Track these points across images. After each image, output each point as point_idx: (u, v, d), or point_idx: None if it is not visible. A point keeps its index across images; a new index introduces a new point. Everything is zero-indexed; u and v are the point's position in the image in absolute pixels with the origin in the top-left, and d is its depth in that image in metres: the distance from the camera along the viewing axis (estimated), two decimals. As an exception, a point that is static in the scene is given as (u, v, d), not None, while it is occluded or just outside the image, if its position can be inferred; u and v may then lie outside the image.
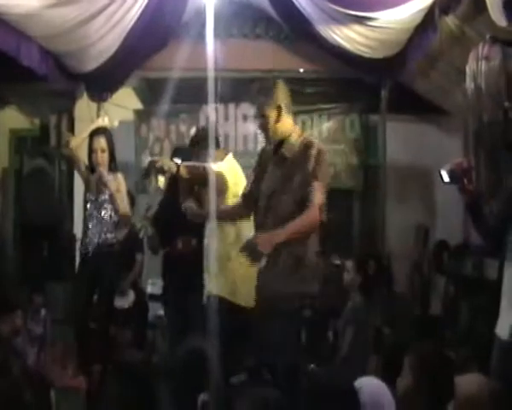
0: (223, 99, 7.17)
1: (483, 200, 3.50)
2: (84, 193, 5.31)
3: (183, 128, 7.66)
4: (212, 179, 4.37)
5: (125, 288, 6.25)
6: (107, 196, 5.16)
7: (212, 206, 4.26)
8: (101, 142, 5.19)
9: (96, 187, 5.19)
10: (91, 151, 5.21)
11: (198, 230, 4.82)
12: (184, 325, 4.85)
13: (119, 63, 6.49)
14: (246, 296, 4.28)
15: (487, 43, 4.60)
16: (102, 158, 5.17)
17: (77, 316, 5.18)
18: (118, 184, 5.19)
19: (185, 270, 4.96)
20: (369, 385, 2.72)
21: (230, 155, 4.80)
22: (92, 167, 5.22)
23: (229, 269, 4.40)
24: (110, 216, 5.21)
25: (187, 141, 7.04)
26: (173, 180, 4.94)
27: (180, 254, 5.10)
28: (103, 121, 5.76)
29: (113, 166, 5.26)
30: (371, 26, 5.53)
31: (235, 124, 7.77)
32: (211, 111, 6.78)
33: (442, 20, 5.04)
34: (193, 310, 4.78)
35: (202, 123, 7.52)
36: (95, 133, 5.28)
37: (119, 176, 5.25)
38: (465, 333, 4.99)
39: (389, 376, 2.89)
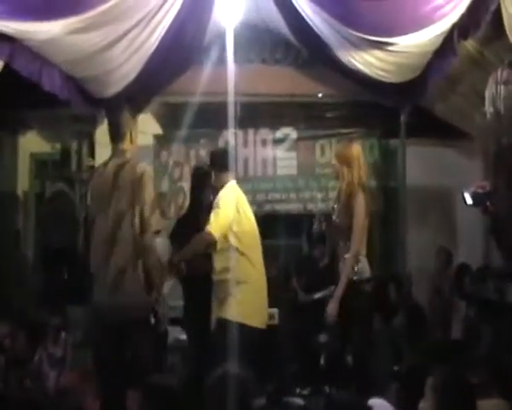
0: (242, 124, 7.21)
1: (506, 222, 3.49)
2: None
3: (202, 153, 7.69)
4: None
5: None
6: None
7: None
8: None
9: None
10: None
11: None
12: (205, 348, 4.85)
13: (140, 88, 6.56)
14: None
15: (506, 68, 4.62)
16: None
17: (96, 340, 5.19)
18: None
19: (205, 292, 4.96)
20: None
21: (233, 182, 4.90)
22: None
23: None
24: None
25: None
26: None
27: (198, 276, 5.10)
28: None
29: None
30: (390, 50, 5.55)
31: (255, 149, 7.80)
32: (230, 136, 6.82)
33: (461, 44, 5.06)
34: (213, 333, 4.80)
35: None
36: None
37: None
38: (486, 357, 4.93)
39: (408, 399, 2.87)
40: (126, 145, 4.46)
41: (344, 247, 4.85)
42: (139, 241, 4.21)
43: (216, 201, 4.71)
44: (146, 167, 4.42)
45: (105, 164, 4.48)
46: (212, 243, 4.66)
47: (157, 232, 4.31)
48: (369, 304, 4.93)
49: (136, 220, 4.23)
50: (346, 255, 4.81)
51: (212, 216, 4.62)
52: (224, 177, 4.87)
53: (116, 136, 4.47)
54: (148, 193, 4.30)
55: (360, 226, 4.81)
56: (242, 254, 4.73)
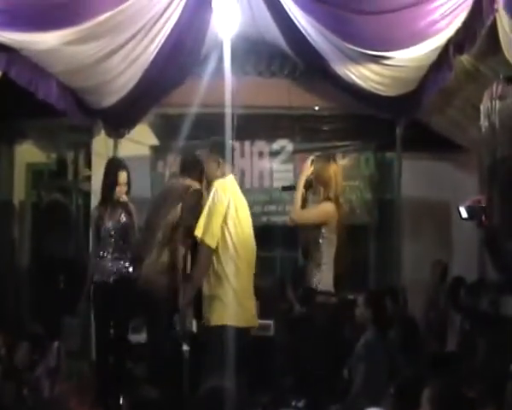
0: (238, 136, 7.23)
1: (500, 236, 3.51)
2: (97, 225, 5.38)
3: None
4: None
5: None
6: (124, 226, 5.25)
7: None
8: (125, 176, 5.34)
9: (113, 218, 5.27)
10: (115, 184, 5.31)
11: None
12: (203, 360, 4.85)
13: (136, 99, 6.58)
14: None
15: (501, 83, 4.66)
16: (124, 191, 5.33)
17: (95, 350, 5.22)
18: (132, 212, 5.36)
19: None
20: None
21: (225, 180, 4.79)
22: (109, 199, 5.32)
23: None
24: (125, 248, 5.26)
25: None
26: None
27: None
28: None
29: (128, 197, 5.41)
30: (386, 64, 5.58)
31: (251, 160, 7.82)
32: (227, 148, 6.82)
33: (457, 58, 5.09)
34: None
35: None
36: (118, 167, 5.41)
37: (132, 206, 5.38)
38: (481, 370, 4.94)
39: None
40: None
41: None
42: None
43: (208, 203, 4.60)
44: None
45: None
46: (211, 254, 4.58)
47: None
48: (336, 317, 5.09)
49: None
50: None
51: (204, 221, 4.53)
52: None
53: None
54: None
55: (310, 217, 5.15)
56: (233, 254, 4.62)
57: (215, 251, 4.51)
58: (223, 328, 4.48)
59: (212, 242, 4.47)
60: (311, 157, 5.37)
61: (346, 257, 5.37)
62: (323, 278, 5.10)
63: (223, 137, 5.01)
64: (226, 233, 4.53)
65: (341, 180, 5.43)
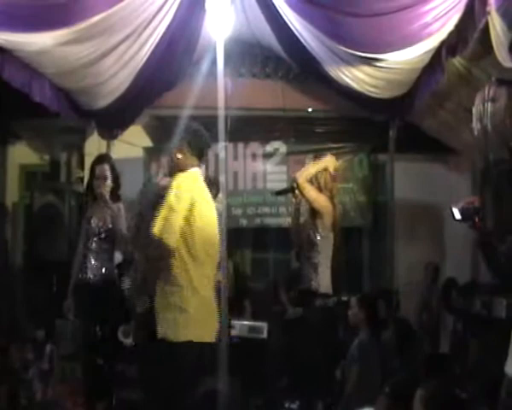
0: (232, 138, 7.23)
1: (493, 238, 3.53)
2: (83, 224, 5.34)
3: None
4: None
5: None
6: (109, 226, 5.21)
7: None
8: (103, 169, 5.27)
9: (97, 216, 5.22)
10: (93, 179, 5.27)
11: None
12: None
13: (129, 101, 6.57)
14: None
15: (493, 85, 4.67)
16: (105, 186, 5.23)
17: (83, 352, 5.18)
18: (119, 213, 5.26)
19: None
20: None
21: (196, 169, 4.18)
22: (91, 195, 5.28)
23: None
24: (109, 248, 5.21)
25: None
26: None
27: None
28: None
29: (116, 195, 5.32)
30: (379, 66, 5.60)
31: (245, 162, 7.82)
32: (220, 149, 6.82)
33: (449, 61, 5.11)
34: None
35: (212, 161, 7.60)
36: (98, 161, 5.37)
37: (121, 206, 5.30)
38: (474, 371, 4.96)
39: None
40: None
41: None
42: None
43: (168, 199, 3.87)
44: None
45: None
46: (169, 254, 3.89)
47: None
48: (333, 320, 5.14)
49: None
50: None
51: (162, 218, 3.83)
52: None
53: None
54: None
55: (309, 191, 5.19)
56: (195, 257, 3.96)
57: (174, 252, 3.86)
58: (185, 344, 3.84)
59: (170, 241, 3.80)
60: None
61: (343, 257, 5.40)
62: (322, 279, 5.12)
63: (199, 126, 4.42)
64: (187, 233, 3.88)
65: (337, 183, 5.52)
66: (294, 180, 5.38)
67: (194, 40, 6.20)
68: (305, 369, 5.20)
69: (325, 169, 5.35)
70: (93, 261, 5.19)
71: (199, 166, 4.20)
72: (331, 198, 5.30)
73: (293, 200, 5.62)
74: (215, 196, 5.10)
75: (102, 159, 5.50)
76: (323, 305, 5.12)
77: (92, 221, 5.23)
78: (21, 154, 8.33)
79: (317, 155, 5.80)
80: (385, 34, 4.98)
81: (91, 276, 5.17)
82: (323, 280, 5.18)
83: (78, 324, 5.32)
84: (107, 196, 5.20)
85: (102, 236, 5.21)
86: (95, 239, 5.22)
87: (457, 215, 3.41)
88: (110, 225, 5.20)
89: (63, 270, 7.70)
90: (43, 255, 7.89)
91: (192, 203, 3.90)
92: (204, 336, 3.91)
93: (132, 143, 7.54)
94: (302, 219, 5.55)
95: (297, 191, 5.40)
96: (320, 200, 5.23)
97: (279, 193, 6.09)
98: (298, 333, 5.57)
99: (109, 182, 5.24)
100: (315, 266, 5.17)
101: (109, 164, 5.34)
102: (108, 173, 5.25)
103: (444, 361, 5.31)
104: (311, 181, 5.33)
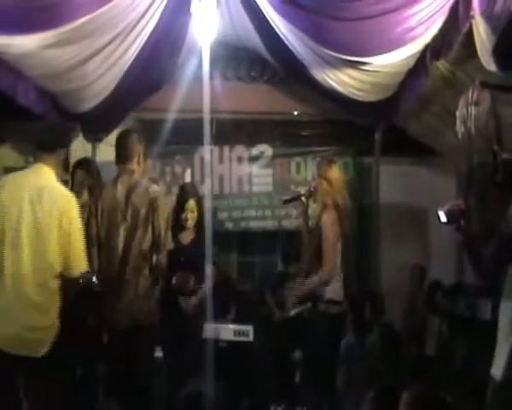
0: (218, 141, 7.23)
1: (478, 240, 3.55)
2: None
3: (178, 169, 7.71)
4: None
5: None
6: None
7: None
8: (79, 175, 5.27)
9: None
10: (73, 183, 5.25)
11: (196, 267, 4.87)
12: (183, 365, 4.83)
13: (114, 104, 6.54)
14: None
15: (477, 89, 4.70)
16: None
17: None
18: None
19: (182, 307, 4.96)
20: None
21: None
22: None
23: None
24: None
25: (181, 182, 7.14)
26: None
27: (176, 292, 5.09)
28: None
29: None
30: (364, 70, 5.62)
31: (230, 165, 7.82)
32: (206, 153, 6.83)
33: (434, 64, 5.14)
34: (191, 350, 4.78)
35: (197, 164, 7.60)
36: (77, 165, 5.36)
37: None
38: (459, 373, 4.98)
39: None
40: (134, 166, 4.54)
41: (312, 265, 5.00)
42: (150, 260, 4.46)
43: None
44: (159, 191, 4.62)
45: (114, 182, 4.51)
46: None
47: None
48: (336, 326, 5.05)
49: (147, 240, 4.43)
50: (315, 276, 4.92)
51: None
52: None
53: (123, 156, 4.53)
54: (162, 215, 4.52)
55: (331, 246, 4.90)
56: None
57: None
58: None
59: None
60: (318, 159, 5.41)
61: (351, 260, 5.39)
62: (336, 288, 5.12)
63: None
64: None
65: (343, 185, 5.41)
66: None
67: (180, 43, 6.19)
68: (291, 372, 5.20)
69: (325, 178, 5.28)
70: None
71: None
72: (336, 206, 5.20)
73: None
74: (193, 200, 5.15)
75: (80, 164, 5.54)
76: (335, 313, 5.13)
77: None
78: (6, 156, 8.26)
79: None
80: (369, 38, 5.00)
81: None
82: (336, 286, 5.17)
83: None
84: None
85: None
86: None
87: (443, 218, 3.42)
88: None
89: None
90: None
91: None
92: None
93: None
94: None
95: (303, 198, 5.36)
96: (335, 232, 5.15)
97: (287, 201, 6.01)
98: (283, 336, 5.57)
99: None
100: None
101: (89, 169, 5.36)
102: (86, 178, 5.28)
103: (429, 364, 5.34)
104: (314, 201, 5.28)
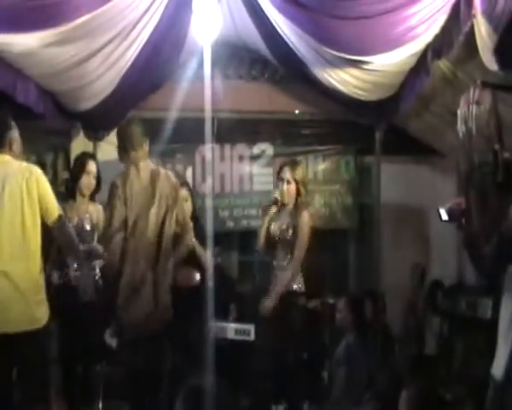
0: (219, 139, 7.23)
1: (479, 239, 3.55)
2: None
3: (179, 168, 7.70)
4: None
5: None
6: (89, 228, 5.14)
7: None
8: (94, 166, 5.25)
9: (76, 217, 5.14)
10: (82, 174, 5.20)
11: (197, 263, 4.89)
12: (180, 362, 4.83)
13: (115, 103, 6.55)
14: None
15: (478, 88, 4.70)
16: (92, 184, 5.21)
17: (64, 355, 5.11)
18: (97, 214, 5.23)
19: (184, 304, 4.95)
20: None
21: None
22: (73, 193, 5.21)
23: None
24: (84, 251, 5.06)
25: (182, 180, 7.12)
26: None
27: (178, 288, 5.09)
28: None
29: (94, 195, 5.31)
30: (366, 69, 5.62)
31: (231, 164, 7.82)
32: (207, 151, 6.83)
33: (435, 63, 5.14)
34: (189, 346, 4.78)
35: (198, 163, 7.60)
36: (89, 157, 5.34)
37: (100, 208, 5.25)
38: (459, 373, 4.98)
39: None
40: (140, 154, 4.58)
41: (283, 261, 5.12)
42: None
43: None
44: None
45: (137, 169, 4.57)
46: None
47: None
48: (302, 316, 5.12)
49: (173, 223, 4.54)
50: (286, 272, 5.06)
51: None
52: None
53: (133, 144, 4.63)
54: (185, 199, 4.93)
55: (304, 243, 5.09)
56: None
57: None
58: None
59: None
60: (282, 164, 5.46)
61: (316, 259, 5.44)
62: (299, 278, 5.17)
63: None
64: None
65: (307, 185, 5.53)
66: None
67: (181, 42, 6.19)
68: (291, 371, 5.20)
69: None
70: (65, 263, 5.04)
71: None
72: (306, 205, 5.32)
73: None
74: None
75: (91, 156, 5.55)
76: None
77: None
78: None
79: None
80: (371, 37, 5.00)
81: (64, 280, 5.05)
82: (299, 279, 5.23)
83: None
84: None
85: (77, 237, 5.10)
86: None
87: (444, 216, 3.43)
88: (82, 227, 5.09)
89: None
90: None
91: None
92: None
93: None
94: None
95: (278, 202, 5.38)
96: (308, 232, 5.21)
97: (267, 208, 5.96)
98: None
99: (94, 181, 5.24)
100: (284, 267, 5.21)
101: (96, 162, 5.38)
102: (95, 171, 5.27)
103: (429, 363, 5.34)
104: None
